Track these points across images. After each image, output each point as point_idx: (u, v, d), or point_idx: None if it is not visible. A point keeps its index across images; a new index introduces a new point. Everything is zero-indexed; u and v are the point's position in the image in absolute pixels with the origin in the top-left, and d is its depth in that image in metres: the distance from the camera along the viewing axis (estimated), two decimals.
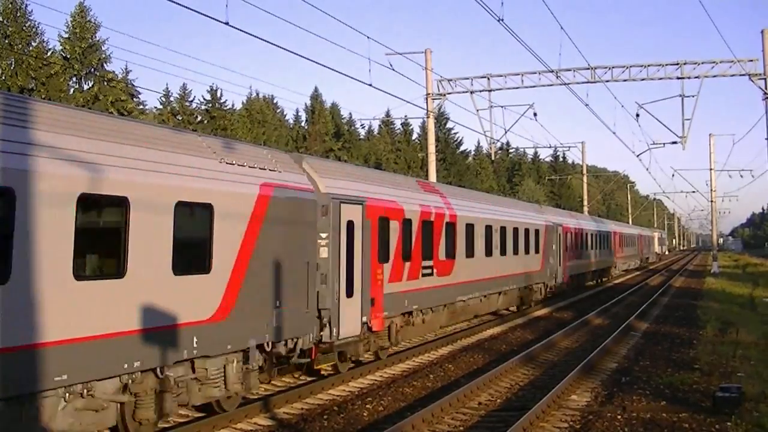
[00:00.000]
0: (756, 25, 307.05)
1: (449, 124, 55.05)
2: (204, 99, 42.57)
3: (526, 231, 25.37)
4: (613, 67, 30.05)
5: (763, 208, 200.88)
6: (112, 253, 8.50)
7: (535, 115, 33.30)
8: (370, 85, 23.61)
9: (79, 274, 7.84)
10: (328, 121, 52.22)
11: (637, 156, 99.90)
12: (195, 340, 9.35)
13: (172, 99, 42.64)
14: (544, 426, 10.20)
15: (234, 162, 10.41)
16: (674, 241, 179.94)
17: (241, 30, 16.66)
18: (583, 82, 30.32)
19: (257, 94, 66.47)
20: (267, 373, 11.83)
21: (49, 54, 30.09)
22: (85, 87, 33.42)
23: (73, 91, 32.51)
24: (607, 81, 29.95)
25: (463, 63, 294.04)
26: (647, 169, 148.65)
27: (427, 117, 32.58)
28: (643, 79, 29.91)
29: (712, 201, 62.72)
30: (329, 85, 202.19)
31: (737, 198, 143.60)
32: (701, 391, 12.11)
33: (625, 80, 30.10)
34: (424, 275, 16.61)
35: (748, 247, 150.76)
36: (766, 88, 29.43)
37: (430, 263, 16.96)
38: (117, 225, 8.49)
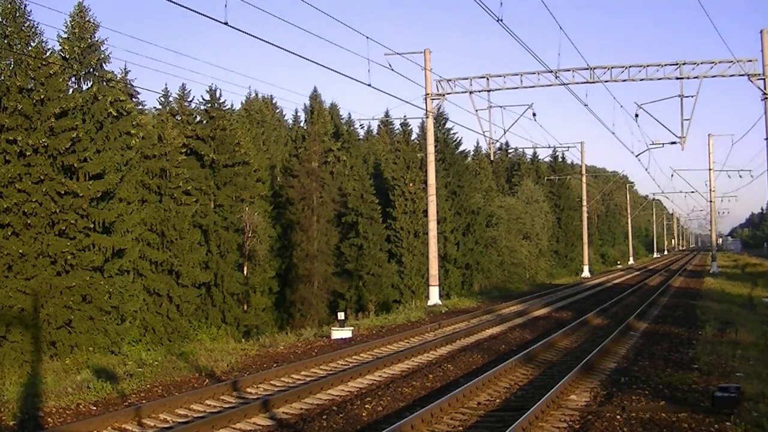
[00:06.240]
0: (755, 25, 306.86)
1: (448, 125, 55.04)
2: (203, 99, 42.49)
3: None
4: (612, 68, 30.06)
5: (762, 209, 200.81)
6: None
7: (534, 115, 33.44)
8: (369, 85, 23.73)
9: None
10: (327, 121, 52.15)
11: (636, 156, 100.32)
12: None
13: (171, 99, 42.57)
14: (543, 426, 10.19)
15: None
16: (673, 241, 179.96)
17: (240, 30, 16.69)
18: (582, 83, 30.36)
19: (256, 95, 66.61)
20: None
21: (48, 54, 29.99)
22: (84, 87, 33.36)
23: (72, 91, 32.44)
24: (606, 81, 29.98)
25: (462, 63, 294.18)
26: (646, 170, 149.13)
27: (426, 117, 32.60)
28: (642, 80, 29.93)
29: (711, 201, 62.83)
30: (328, 85, 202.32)
31: (736, 198, 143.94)
32: (700, 391, 12.10)
33: (624, 80, 30.12)
34: None
35: (747, 247, 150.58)
36: (765, 88, 29.46)
37: None
38: None
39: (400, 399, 12.24)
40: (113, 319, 30.36)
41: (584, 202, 65.27)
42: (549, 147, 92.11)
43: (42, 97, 28.25)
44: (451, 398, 11.38)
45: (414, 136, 50.87)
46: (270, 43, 29.97)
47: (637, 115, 31.29)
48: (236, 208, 40.95)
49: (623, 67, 29.97)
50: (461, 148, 57.69)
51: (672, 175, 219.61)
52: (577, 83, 30.36)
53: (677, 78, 29.69)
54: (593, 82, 30.08)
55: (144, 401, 12.01)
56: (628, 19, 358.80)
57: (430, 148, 32.41)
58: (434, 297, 30.91)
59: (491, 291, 44.42)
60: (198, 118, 42.37)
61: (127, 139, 34.23)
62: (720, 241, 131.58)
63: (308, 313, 42.93)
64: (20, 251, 26.74)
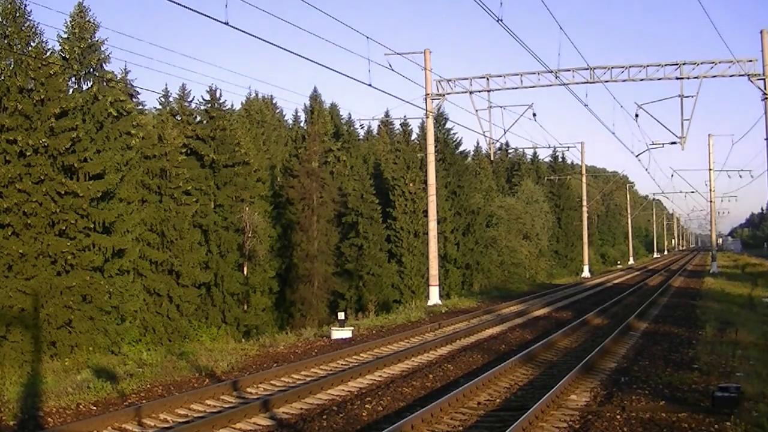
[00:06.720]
0: (755, 25, 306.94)
1: (448, 125, 55.01)
2: (203, 99, 42.49)
3: None
4: (612, 68, 30.06)
5: (762, 209, 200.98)
6: None
7: (534, 115, 33.42)
8: (370, 85, 23.73)
9: None
10: (327, 121, 52.18)
11: (636, 156, 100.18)
12: None
13: (171, 99, 42.57)
14: (543, 426, 10.19)
15: None
16: (673, 241, 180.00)
17: (240, 30, 16.70)
18: (582, 83, 30.35)
19: (256, 95, 66.59)
20: None
21: (48, 54, 29.99)
22: (84, 87, 33.36)
23: (72, 91, 32.44)
24: (606, 81, 29.97)
25: (462, 63, 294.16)
26: (646, 170, 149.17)
27: (426, 117, 32.60)
28: (642, 80, 29.93)
29: (711, 201, 62.80)
30: (328, 85, 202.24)
31: (736, 198, 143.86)
32: (700, 391, 12.11)
33: (624, 80, 30.12)
34: None
35: (747, 247, 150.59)
36: (765, 88, 29.46)
37: None
38: None
39: (400, 399, 12.24)
40: (113, 319, 30.37)
41: (584, 202, 65.28)
42: (549, 147, 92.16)
43: (42, 97, 28.26)
44: (451, 398, 11.38)
45: (414, 136, 50.86)
46: (270, 43, 30.02)
47: (637, 115, 31.32)
48: (236, 208, 40.96)
49: (623, 67, 29.97)
50: (461, 148, 57.66)
51: (672, 175, 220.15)
52: (577, 83, 30.37)
53: (677, 78, 29.70)
54: (593, 82, 30.08)
55: (144, 401, 12.02)
56: (628, 19, 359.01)
57: (430, 148, 32.42)
58: (434, 297, 30.91)
59: (491, 291, 44.41)
60: (198, 118, 42.36)
61: (127, 139, 34.23)
62: (720, 241, 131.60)
63: (308, 313, 42.93)
64: (20, 251, 26.74)
